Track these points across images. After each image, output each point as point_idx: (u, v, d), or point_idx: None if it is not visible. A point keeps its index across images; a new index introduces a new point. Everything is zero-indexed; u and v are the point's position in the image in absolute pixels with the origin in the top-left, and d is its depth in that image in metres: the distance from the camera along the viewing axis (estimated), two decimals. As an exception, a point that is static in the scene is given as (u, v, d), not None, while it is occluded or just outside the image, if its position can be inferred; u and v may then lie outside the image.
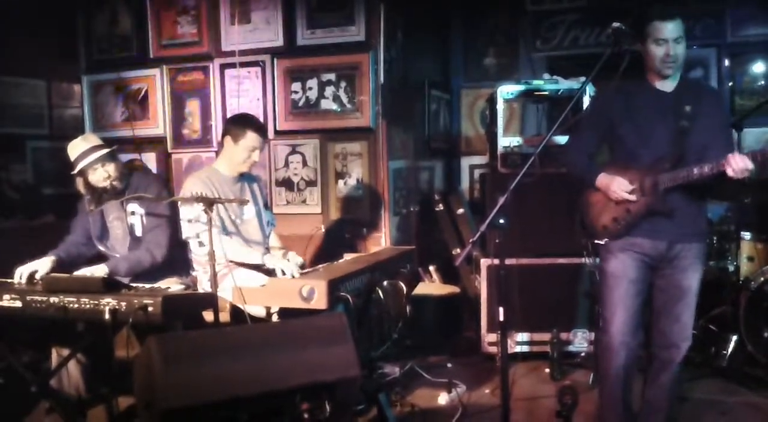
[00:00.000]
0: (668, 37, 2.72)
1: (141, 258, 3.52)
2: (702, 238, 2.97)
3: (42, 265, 3.31)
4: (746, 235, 4.29)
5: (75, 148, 3.51)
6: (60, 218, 4.72)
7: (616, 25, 2.70)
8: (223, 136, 3.56)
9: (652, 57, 2.78)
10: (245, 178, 3.67)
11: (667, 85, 2.85)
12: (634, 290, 2.91)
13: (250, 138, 3.49)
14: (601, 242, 2.97)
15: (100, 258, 3.61)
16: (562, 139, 3.82)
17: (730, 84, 5.49)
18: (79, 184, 3.55)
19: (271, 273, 3.32)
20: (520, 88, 4.48)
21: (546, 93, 4.50)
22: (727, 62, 5.49)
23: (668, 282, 2.90)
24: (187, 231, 3.42)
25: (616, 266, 2.92)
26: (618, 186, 2.85)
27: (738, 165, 2.56)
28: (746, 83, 5.49)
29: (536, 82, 4.50)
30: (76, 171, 3.49)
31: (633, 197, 2.83)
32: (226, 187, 3.52)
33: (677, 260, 2.87)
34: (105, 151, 3.50)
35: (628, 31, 2.73)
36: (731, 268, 4.24)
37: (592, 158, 3.06)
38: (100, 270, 3.28)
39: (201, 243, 3.37)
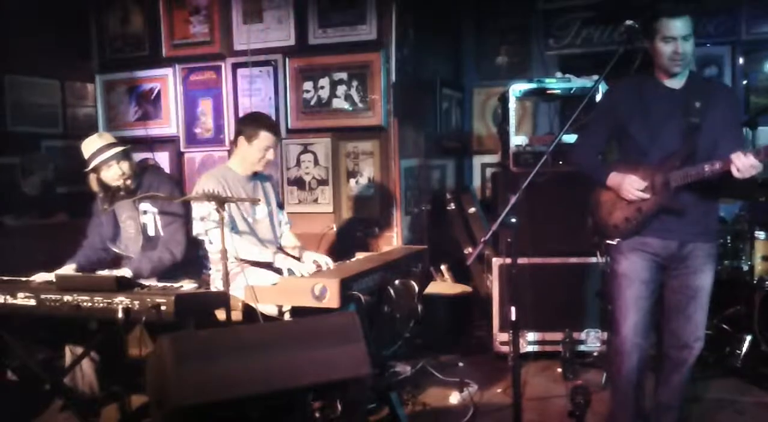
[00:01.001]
0: (676, 35, 2.67)
1: (162, 258, 3.53)
2: (714, 237, 2.94)
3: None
4: (760, 235, 4.24)
5: (90, 145, 3.49)
6: (73, 217, 4.76)
7: (629, 22, 2.69)
8: (237, 136, 3.56)
9: (660, 54, 2.73)
10: (258, 177, 3.68)
11: (676, 82, 2.81)
12: (646, 291, 2.88)
13: (264, 137, 3.49)
14: (613, 242, 2.94)
15: (119, 261, 3.62)
16: (573, 138, 3.80)
17: (745, 82, 5.44)
18: (92, 181, 3.53)
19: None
20: (533, 86, 4.45)
21: (558, 91, 4.47)
22: (741, 60, 5.44)
23: (680, 282, 2.87)
24: (197, 228, 3.43)
25: (627, 267, 2.89)
26: (630, 184, 2.81)
27: (743, 163, 2.52)
28: (761, 81, 5.44)
29: (548, 81, 4.48)
30: (90, 168, 3.48)
31: (646, 195, 2.80)
32: (239, 185, 3.53)
33: (689, 260, 2.84)
34: (120, 148, 3.49)
35: (640, 29, 2.71)
36: (745, 268, 4.20)
37: (602, 155, 3.03)
38: (124, 274, 3.29)
39: (211, 241, 3.38)
